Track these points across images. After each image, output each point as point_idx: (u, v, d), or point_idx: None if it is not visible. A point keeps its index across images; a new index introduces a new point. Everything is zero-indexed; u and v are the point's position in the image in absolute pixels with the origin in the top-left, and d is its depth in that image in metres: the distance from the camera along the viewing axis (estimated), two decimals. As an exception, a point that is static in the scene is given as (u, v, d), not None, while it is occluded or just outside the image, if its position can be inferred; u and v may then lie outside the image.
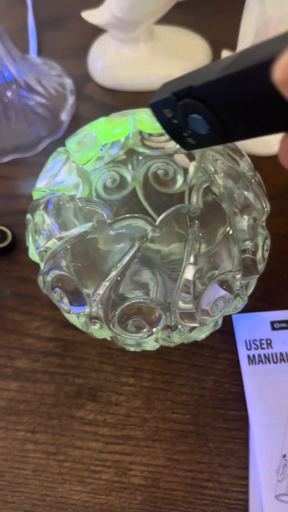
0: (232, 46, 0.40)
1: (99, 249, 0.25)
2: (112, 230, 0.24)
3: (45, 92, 0.43)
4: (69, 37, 0.52)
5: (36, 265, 0.35)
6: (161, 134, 0.31)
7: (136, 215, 0.24)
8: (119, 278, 0.25)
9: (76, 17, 0.52)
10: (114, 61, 0.46)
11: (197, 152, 0.27)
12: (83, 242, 0.25)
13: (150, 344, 0.30)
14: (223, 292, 0.25)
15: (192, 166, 0.34)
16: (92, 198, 0.24)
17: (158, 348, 0.33)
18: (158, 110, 0.19)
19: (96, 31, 0.49)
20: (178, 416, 0.31)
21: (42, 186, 0.27)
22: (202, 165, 0.26)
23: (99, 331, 0.28)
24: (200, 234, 0.25)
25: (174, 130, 0.20)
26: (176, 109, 0.18)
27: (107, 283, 0.25)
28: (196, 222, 0.24)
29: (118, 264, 0.25)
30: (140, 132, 0.31)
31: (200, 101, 0.17)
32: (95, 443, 0.31)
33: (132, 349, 0.30)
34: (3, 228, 0.38)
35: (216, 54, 0.48)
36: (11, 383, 0.33)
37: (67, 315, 0.30)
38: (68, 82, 0.46)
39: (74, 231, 0.25)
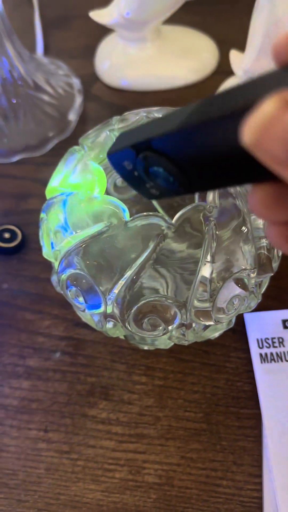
0: (239, 45, 0.40)
1: (114, 248, 0.26)
2: (129, 228, 0.24)
3: (53, 92, 0.43)
4: (75, 37, 0.52)
5: (46, 264, 0.36)
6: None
7: (151, 213, 0.24)
8: (134, 277, 0.25)
9: (83, 17, 0.52)
10: (121, 61, 0.47)
11: None
12: (98, 241, 0.25)
13: (164, 343, 0.30)
14: (238, 290, 0.26)
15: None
16: (110, 197, 0.24)
17: (170, 347, 0.33)
18: (117, 162, 0.18)
19: (103, 31, 0.49)
20: (191, 415, 0.31)
21: (56, 185, 0.27)
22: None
23: (112, 330, 0.28)
24: (217, 233, 0.25)
25: (136, 182, 0.18)
26: (136, 162, 0.17)
27: (123, 282, 0.25)
28: (212, 220, 0.24)
29: (134, 263, 0.25)
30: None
31: (161, 154, 0.15)
32: (108, 441, 0.31)
33: (145, 347, 0.30)
34: (13, 227, 0.38)
35: (223, 54, 0.48)
36: (23, 382, 0.33)
37: (80, 314, 0.30)
38: (76, 82, 0.46)
39: (89, 230, 0.25)
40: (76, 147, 0.28)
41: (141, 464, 0.30)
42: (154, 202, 0.36)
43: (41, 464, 0.30)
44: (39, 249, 0.31)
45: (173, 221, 0.24)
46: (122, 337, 0.30)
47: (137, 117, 0.28)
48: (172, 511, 0.29)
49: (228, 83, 0.44)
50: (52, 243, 0.28)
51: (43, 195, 0.29)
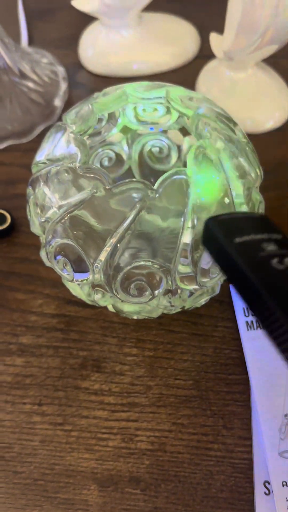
0: (219, 30, 0.41)
1: (99, 215, 0.26)
2: (112, 195, 0.25)
3: (38, 79, 0.44)
4: (59, 28, 0.53)
5: (36, 246, 0.36)
6: (155, 109, 0.32)
7: (134, 179, 0.25)
8: (118, 245, 0.26)
9: (66, 8, 0.53)
10: (105, 48, 0.47)
11: (192, 122, 0.28)
12: (83, 209, 0.26)
13: (153, 312, 0.30)
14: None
15: (186, 142, 0.35)
16: (91, 165, 0.25)
17: (159, 320, 0.34)
18: None
19: (86, 21, 0.50)
20: (181, 382, 0.32)
21: (40, 159, 0.28)
22: (197, 131, 0.27)
23: (101, 300, 0.29)
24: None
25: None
26: None
27: (109, 249, 0.26)
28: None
29: (119, 229, 0.25)
30: (134, 108, 0.32)
31: None
32: (101, 411, 0.31)
33: (135, 317, 0.31)
34: (2, 211, 0.39)
35: (204, 39, 0.49)
36: (16, 358, 0.33)
37: (70, 287, 0.31)
38: (60, 70, 0.47)
39: (73, 199, 0.26)
40: (59, 123, 0.29)
41: (133, 432, 0.31)
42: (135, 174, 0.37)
43: (36, 437, 0.31)
44: (29, 232, 0.31)
45: (155, 186, 0.25)
46: (112, 309, 0.31)
47: (117, 91, 0.28)
48: (165, 475, 0.29)
49: (210, 66, 0.45)
50: (39, 218, 0.28)
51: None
